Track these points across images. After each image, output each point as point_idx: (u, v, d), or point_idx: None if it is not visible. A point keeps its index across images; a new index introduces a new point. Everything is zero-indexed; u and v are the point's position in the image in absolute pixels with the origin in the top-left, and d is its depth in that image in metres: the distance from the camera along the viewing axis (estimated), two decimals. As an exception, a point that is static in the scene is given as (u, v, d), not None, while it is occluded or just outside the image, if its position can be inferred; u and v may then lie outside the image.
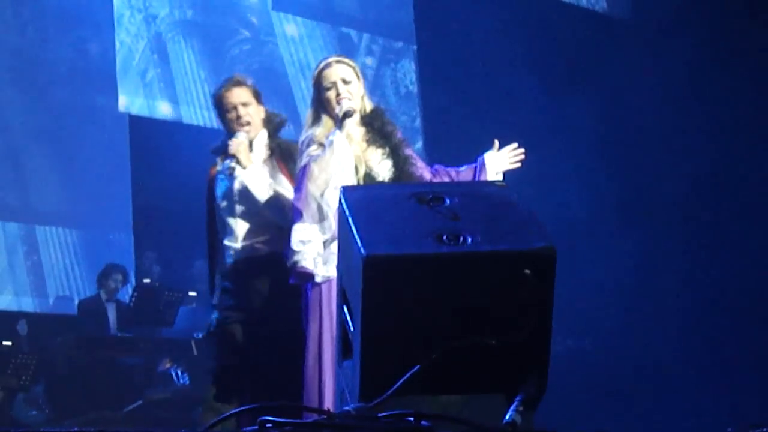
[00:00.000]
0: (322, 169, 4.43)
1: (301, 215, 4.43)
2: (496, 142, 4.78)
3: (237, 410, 2.53)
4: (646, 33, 10.23)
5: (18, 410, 7.73)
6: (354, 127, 4.56)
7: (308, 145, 4.56)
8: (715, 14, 9.63)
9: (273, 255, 4.86)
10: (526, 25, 9.87)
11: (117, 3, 9.17)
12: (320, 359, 4.37)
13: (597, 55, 9.94)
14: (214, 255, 5.08)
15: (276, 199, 4.85)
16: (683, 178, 9.39)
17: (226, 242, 4.95)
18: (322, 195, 4.41)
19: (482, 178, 4.67)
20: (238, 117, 4.95)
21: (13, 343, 7.82)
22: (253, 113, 4.97)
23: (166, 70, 9.38)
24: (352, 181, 4.47)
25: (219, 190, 5.01)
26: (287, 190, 4.83)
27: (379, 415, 2.37)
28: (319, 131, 4.59)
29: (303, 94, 9.54)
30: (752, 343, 8.51)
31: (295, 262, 4.43)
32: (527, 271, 2.54)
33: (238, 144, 4.89)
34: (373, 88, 10.01)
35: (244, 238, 4.92)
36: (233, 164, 4.85)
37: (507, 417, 2.44)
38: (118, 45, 9.12)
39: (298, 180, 4.52)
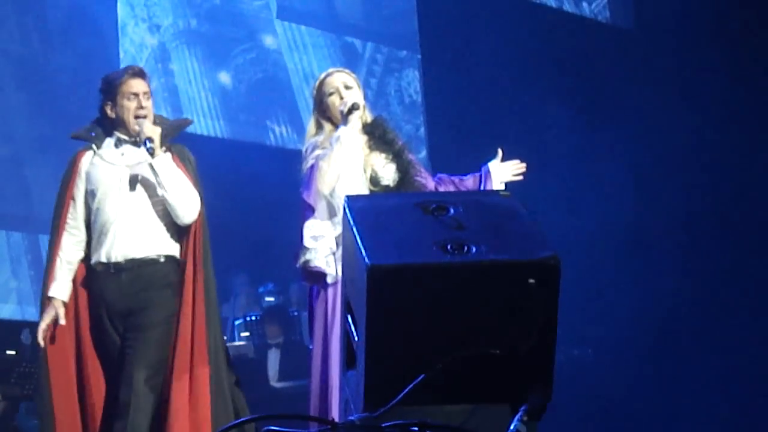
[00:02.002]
0: (331, 165, 4.43)
1: (312, 212, 4.43)
2: (500, 151, 4.79)
3: (241, 420, 2.53)
4: (648, 43, 10.23)
5: (21, 419, 7.73)
6: (356, 134, 4.57)
7: (312, 150, 4.57)
8: (717, 22, 9.63)
9: (167, 257, 4.65)
10: (529, 35, 9.86)
11: (121, 12, 9.17)
12: (327, 368, 4.35)
13: (600, 65, 9.93)
14: (56, 248, 4.65)
15: (181, 192, 4.60)
16: (694, 196, 9.36)
17: (104, 232, 4.60)
18: (332, 191, 4.40)
19: (487, 187, 4.68)
20: (140, 107, 4.64)
21: (16, 353, 7.80)
22: (150, 108, 4.71)
23: (169, 79, 9.38)
24: (360, 176, 4.46)
25: (100, 176, 4.66)
26: (190, 186, 4.62)
27: (384, 425, 2.37)
28: (321, 139, 4.60)
29: (307, 103, 9.49)
30: (758, 355, 8.50)
31: (307, 261, 4.40)
32: (532, 281, 2.53)
33: (153, 129, 4.60)
34: (377, 96, 10.01)
35: (134, 231, 4.60)
36: (151, 144, 4.56)
37: (511, 427, 2.43)
38: (122, 54, 9.11)
39: (307, 179, 4.51)
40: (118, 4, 9.12)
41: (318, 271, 4.40)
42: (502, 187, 4.72)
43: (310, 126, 4.76)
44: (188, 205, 4.61)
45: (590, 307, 8.45)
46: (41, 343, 4.60)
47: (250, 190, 8.55)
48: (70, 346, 4.66)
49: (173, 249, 4.69)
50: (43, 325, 4.60)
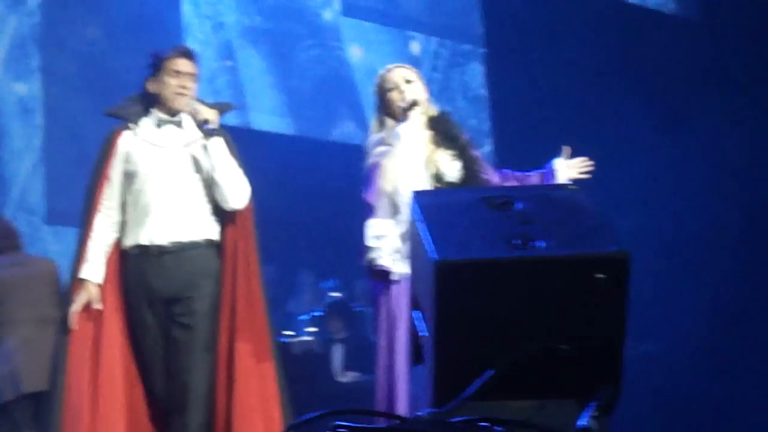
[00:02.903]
0: (393, 163, 4.41)
1: (373, 211, 4.41)
2: (567, 149, 4.72)
3: (309, 416, 2.52)
4: (716, 34, 10.09)
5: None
6: (420, 129, 4.55)
7: (375, 146, 4.56)
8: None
9: (209, 242, 4.54)
10: (593, 27, 9.78)
11: (186, 10, 9.25)
12: (392, 363, 4.33)
13: (669, 58, 9.81)
14: (89, 229, 4.47)
15: (234, 176, 4.51)
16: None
17: (146, 214, 4.46)
18: (395, 189, 4.37)
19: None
20: (184, 87, 4.53)
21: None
22: (194, 90, 4.58)
23: (234, 77, 9.44)
24: (422, 172, 4.44)
25: (142, 157, 4.52)
26: (240, 171, 4.52)
27: (452, 420, 2.36)
28: (384, 135, 4.59)
29: (371, 99, 9.54)
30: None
31: (372, 260, 4.39)
32: (600, 276, 2.51)
33: (210, 111, 4.48)
34: (441, 91, 10.00)
35: (179, 214, 4.48)
36: (211, 126, 4.45)
37: (583, 422, 2.41)
38: (187, 52, 9.18)
39: (368, 177, 4.50)
40: (183, 3, 9.20)
41: (383, 270, 4.38)
42: (568, 184, 4.67)
43: (373, 124, 4.73)
44: (240, 190, 4.51)
45: (664, 304, 8.36)
46: (73, 328, 4.39)
47: (315, 186, 8.58)
48: (90, 334, 4.42)
49: (215, 234, 4.57)
50: (75, 308, 4.41)
